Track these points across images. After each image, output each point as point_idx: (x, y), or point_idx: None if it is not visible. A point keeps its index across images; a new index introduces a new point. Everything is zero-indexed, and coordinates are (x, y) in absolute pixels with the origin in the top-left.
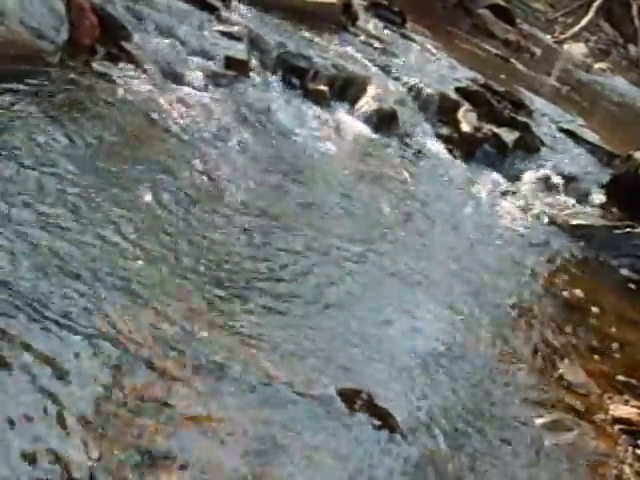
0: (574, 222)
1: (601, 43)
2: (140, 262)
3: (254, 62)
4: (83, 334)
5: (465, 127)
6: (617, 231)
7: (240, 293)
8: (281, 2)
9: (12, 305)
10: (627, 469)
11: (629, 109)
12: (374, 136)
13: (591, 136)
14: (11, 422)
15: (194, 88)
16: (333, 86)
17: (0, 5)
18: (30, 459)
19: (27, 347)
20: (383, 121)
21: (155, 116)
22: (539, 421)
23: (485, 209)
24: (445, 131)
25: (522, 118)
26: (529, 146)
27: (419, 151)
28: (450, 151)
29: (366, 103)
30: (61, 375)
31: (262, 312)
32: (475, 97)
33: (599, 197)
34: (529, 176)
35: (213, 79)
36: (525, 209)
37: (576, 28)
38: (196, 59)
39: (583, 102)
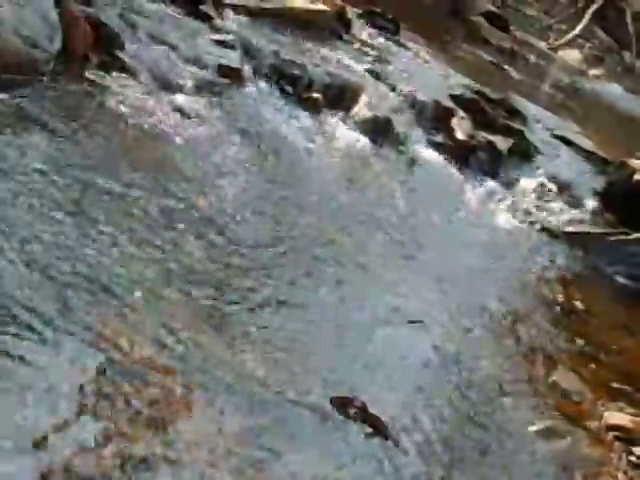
0: (568, 229)
1: (595, 50)
2: (131, 271)
3: (247, 70)
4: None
5: (459, 134)
6: (612, 238)
7: (232, 301)
8: (274, 10)
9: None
10: (621, 476)
11: (623, 116)
12: (368, 144)
13: (585, 143)
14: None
15: (187, 96)
16: (327, 94)
17: None
18: None
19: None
20: (377, 129)
21: (148, 124)
22: (533, 428)
23: (479, 216)
24: (439, 138)
25: (516, 125)
26: (523, 153)
27: (413, 159)
28: (444, 159)
29: (360, 111)
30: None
31: (254, 320)
32: (469, 104)
33: (593, 204)
34: (523, 183)
35: (206, 87)
36: (519, 216)
37: (570, 35)
38: (189, 67)
39: (577, 109)
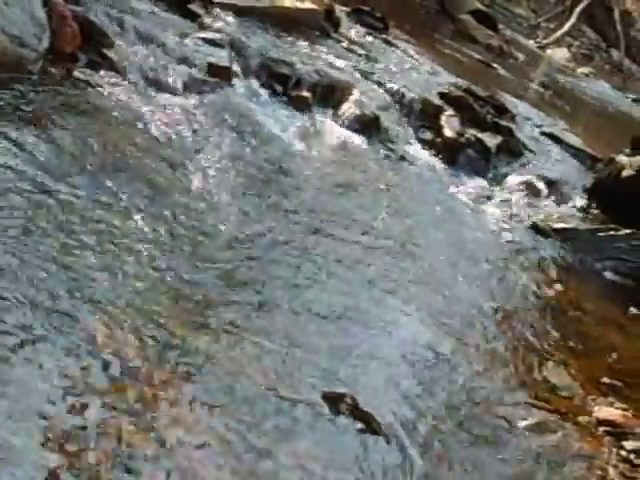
0: (557, 226)
1: (584, 48)
2: (122, 272)
3: (236, 69)
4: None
5: (448, 132)
6: (600, 234)
7: (224, 300)
8: (263, 9)
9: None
10: (611, 470)
11: (611, 113)
12: (357, 142)
13: (574, 140)
14: None
15: (176, 95)
16: (316, 92)
17: None
18: None
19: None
20: (366, 127)
21: (137, 124)
22: (523, 423)
23: (468, 214)
24: (428, 136)
25: (505, 123)
26: (512, 150)
27: (402, 156)
28: (433, 156)
29: (349, 109)
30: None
31: (246, 319)
32: (458, 102)
33: (582, 200)
34: (512, 180)
35: (195, 86)
36: (508, 213)
37: (559, 33)
38: (178, 66)
39: (566, 106)
